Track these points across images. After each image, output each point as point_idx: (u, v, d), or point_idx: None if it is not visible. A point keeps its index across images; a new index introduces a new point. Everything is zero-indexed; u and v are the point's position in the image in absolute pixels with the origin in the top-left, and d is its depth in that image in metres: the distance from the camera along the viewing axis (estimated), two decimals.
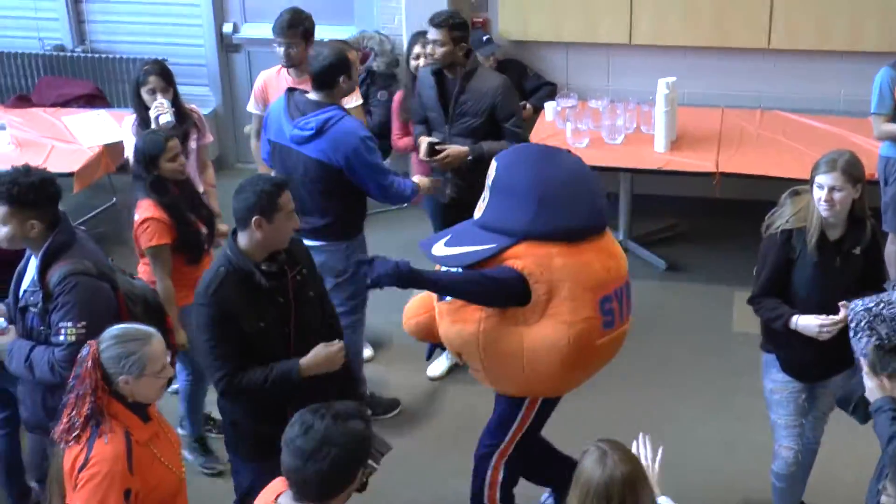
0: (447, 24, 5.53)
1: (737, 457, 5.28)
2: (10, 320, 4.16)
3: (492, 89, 5.57)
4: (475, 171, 5.35)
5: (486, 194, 4.19)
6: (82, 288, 3.93)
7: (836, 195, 4.11)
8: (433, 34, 5.59)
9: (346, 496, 3.06)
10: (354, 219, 5.31)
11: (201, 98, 8.00)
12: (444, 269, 4.21)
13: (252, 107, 6.07)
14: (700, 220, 7.51)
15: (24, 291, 4.04)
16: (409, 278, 4.00)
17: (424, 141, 5.68)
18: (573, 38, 7.53)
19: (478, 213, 4.21)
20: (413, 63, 6.37)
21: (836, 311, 4.12)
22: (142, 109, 5.63)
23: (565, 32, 7.51)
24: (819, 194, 4.12)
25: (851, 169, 4.13)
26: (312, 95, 5.14)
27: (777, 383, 4.45)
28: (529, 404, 4.42)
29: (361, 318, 5.59)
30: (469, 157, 5.59)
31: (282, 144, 5.20)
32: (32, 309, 4.01)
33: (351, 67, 5.12)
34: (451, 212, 5.59)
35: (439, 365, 6.07)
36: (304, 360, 4.00)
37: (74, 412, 3.36)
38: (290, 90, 5.26)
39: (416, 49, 6.41)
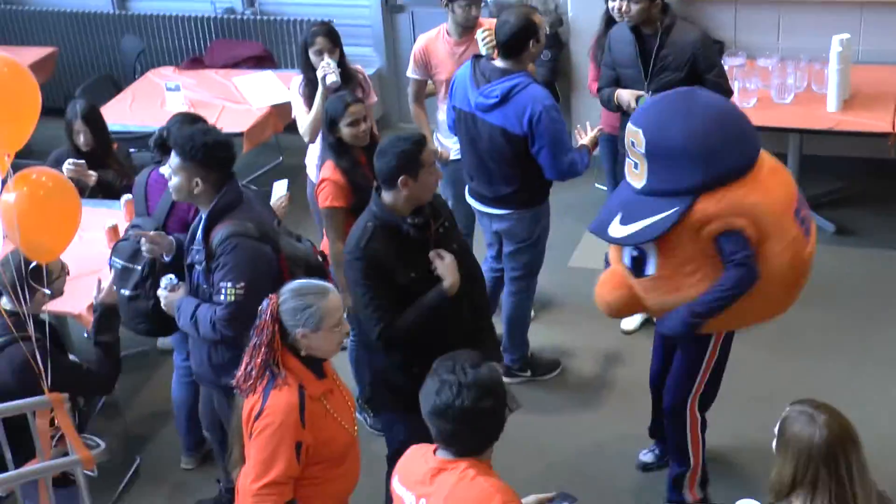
0: None
1: None
2: (144, 286, 4.34)
3: (691, 42, 5.47)
4: None
5: (636, 161, 4.10)
6: (242, 249, 4.04)
7: None
8: None
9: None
10: (539, 187, 5.28)
11: (365, 59, 8.10)
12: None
13: (411, 71, 6.08)
14: (872, 182, 7.23)
15: (192, 249, 4.19)
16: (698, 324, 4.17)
17: (632, 96, 5.58)
18: None
19: (636, 182, 4.13)
20: (611, 4, 6.16)
21: None
22: (309, 70, 5.73)
23: None
24: None
25: None
26: (499, 62, 5.13)
27: None
28: (715, 341, 4.43)
29: (533, 284, 5.64)
30: None
31: (466, 112, 5.22)
32: (197, 266, 4.16)
33: (538, 31, 5.08)
34: None
35: (633, 319, 6.04)
36: (446, 283, 4.07)
37: (252, 361, 3.45)
38: (476, 57, 5.25)
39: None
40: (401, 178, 4.01)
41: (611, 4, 6.14)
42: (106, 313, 4.38)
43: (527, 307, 5.68)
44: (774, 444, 3.04)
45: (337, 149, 4.94)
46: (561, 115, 5.11)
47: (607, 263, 4.42)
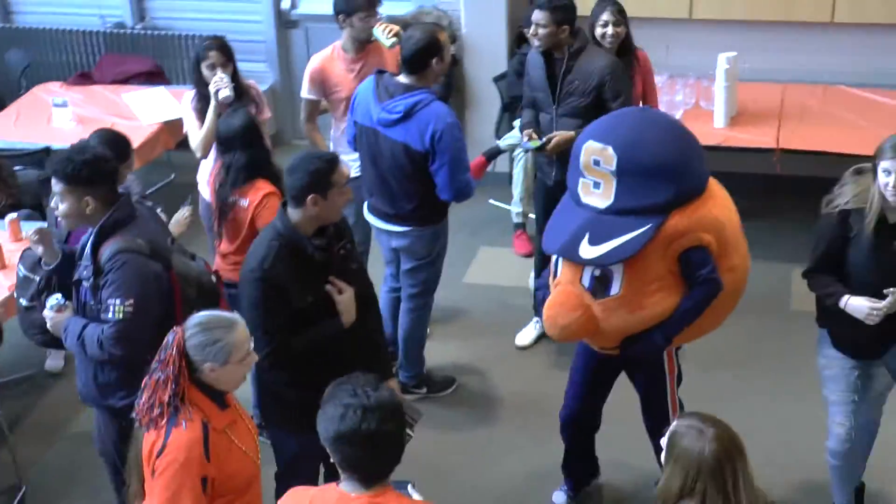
0: (549, 7, 5.39)
1: (796, 437, 5.23)
2: (40, 298, 4.23)
3: (598, 69, 5.41)
4: None
5: (599, 180, 4.01)
6: (131, 266, 3.97)
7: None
8: (536, 16, 5.46)
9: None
10: (439, 204, 5.26)
11: (259, 74, 8.03)
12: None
13: (306, 92, 5.97)
14: (759, 197, 7.41)
15: (80, 265, 4.10)
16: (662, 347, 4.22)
17: (527, 134, 5.65)
18: (632, 12, 7.31)
19: (599, 201, 4.03)
20: (526, 29, 6.11)
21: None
22: (201, 85, 5.66)
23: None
24: (885, 180, 4.02)
25: None
26: (402, 78, 5.11)
27: (829, 359, 4.41)
28: (668, 358, 4.44)
29: (430, 301, 5.64)
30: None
31: (368, 127, 5.18)
32: (85, 283, 4.07)
33: (442, 49, 5.08)
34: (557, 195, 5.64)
35: (528, 333, 6.08)
36: (344, 317, 4.08)
37: (155, 396, 3.34)
38: (380, 72, 5.23)
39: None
40: (310, 197, 3.98)
41: (525, 29, 6.13)
42: None
43: (423, 324, 5.68)
44: (663, 456, 3.08)
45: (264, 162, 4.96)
46: (462, 133, 5.13)
47: (541, 291, 4.33)
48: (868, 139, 5.91)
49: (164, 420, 3.33)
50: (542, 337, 6.01)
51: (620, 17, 5.78)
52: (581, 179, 4.07)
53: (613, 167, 3.96)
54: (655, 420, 4.47)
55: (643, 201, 3.96)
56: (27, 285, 4.43)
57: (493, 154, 7.18)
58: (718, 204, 4.13)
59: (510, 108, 7.23)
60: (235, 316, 3.47)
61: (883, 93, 7.02)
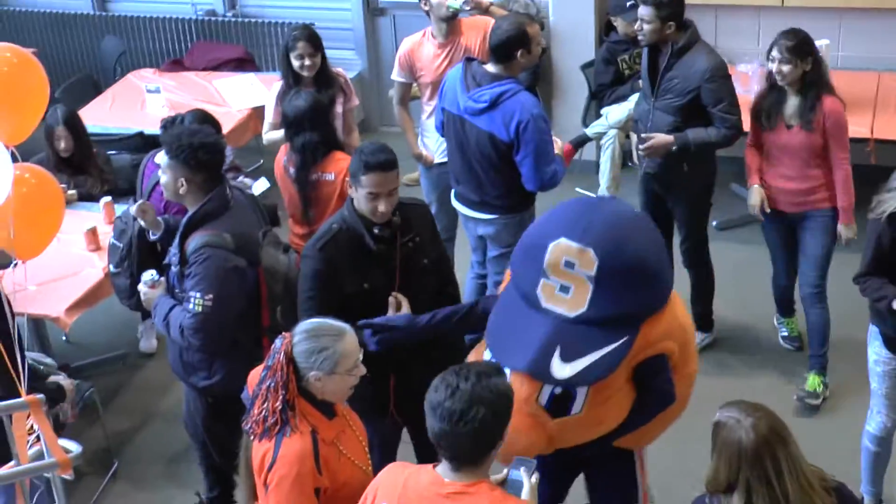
0: (655, 2, 5.29)
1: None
2: (121, 265, 4.42)
3: (699, 72, 5.29)
4: (677, 156, 5.41)
5: (569, 284, 3.47)
6: (214, 261, 4.05)
7: None
8: (641, 11, 5.39)
9: (493, 457, 3.02)
10: (525, 192, 5.24)
11: (347, 62, 8.10)
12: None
13: (396, 74, 6.07)
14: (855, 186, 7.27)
15: (170, 250, 4.22)
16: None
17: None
18: (723, 0, 7.37)
19: (567, 309, 3.48)
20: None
21: None
22: (290, 75, 5.74)
23: None
24: None
25: None
26: (490, 67, 5.11)
27: (880, 356, 4.37)
28: (640, 463, 4.03)
29: None
30: (674, 148, 5.40)
31: (455, 115, 5.20)
32: (173, 268, 4.19)
33: (530, 42, 5.07)
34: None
35: None
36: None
37: (266, 405, 3.30)
38: (469, 60, 5.23)
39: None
40: (348, 181, 4.06)
41: (613, 18, 6.02)
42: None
43: None
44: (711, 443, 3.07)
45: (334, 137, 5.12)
46: (549, 125, 5.10)
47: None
48: None
49: (276, 430, 3.30)
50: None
51: (790, 54, 5.14)
52: (543, 280, 3.51)
53: (593, 273, 3.42)
54: None
55: (619, 309, 3.46)
56: (114, 252, 4.60)
57: (579, 142, 7.15)
58: (680, 309, 3.74)
59: (597, 97, 7.20)
60: (345, 325, 3.41)
61: None
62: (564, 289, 3.48)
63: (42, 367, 4.79)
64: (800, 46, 5.08)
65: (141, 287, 4.29)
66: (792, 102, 5.16)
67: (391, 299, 4.06)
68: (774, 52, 5.12)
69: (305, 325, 3.40)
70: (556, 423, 3.56)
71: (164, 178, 4.17)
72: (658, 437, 3.92)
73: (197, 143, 4.09)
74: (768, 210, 5.34)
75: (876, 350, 4.37)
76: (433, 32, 5.90)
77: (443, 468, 2.99)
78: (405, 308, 4.05)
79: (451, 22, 5.83)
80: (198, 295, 4.04)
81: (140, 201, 4.50)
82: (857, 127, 6.37)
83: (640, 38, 5.49)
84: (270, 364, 3.33)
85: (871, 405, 4.51)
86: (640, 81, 5.70)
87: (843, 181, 5.20)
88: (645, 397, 3.63)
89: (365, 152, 3.97)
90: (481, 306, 3.95)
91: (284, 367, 3.29)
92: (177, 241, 4.16)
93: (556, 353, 3.45)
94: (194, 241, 4.09)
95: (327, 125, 5.21)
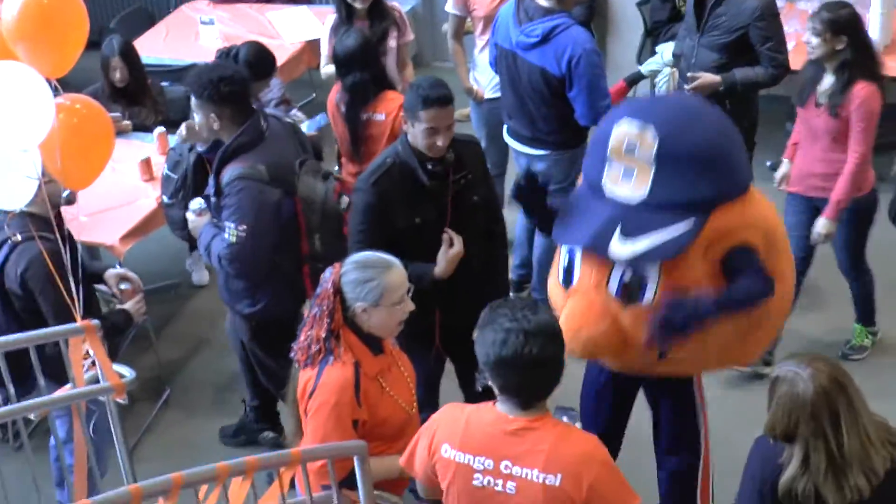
0: None
1: None
2: (176, 195, 4.52)
3: (749, 10, 5.20)
4: (721, 95, 5.19)
5: (633, 167, 3.41)
6: (248, 192, 4.12)
7: None
8: None
9: None
10: (577, 128, 5.21)
11: None
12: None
13: (450, 6, 6.02)
14: None
15: (209, 181, 4.30)
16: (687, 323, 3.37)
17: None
18: None
19: (631, 191, 3.42)
20: None
21: None
22: (343, 7, 5.71)
23: None
24: None
25: None
26: (543, 1, 5.04)
27: None
28: (698, 385, 3.94)
29: None
30: (721, 88, 5.30)
31: (507, 49, 5.16)
32: (212, 199, 4.28)
33: None
34: None
35: None
36: (437, 270, 4.04)
37: (312, 332, 3.34)
38: None
39: None
40: (404, 116, 4.05)
41: None
42: (115, 326, 4.33)
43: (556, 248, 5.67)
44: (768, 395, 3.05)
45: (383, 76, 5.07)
46: (601, 59, 5.05)
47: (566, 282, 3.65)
48: None
49: (321, 357, 3.33)
50: None
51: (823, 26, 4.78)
52: (607, 168, 3.47)
53: (653, 154, 3.36)
54: (683, 459, 3.99)
55: (684, 196, 3.37)
56: (168, 183, 4.68)
57: (634, 80, 7.08)
58: (765, 204, 3.62)
59: (653, 34, 7.11)
60: (394, 259, 3.42)
61: None
62: (628, 173, 3.41)
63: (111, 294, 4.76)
64: (835, 21, 4.68)
65: (189, 215, 4.38)
66: (827, 81, 4.82)
67: (444, 236, 4.07)
68: (810, 21, 4.78)
69: (355, 256, 3.42)
70: (628, 313, 3.48)
71: (196, 119, 4.25)
72: (738, 361, 3.82)
73: (216, 77, 4.14)
74: (787, 189, 5.11)
75: None
76: None
77: (504, 406, 2.98)
78: (458, 244, 4.06)
79: None
80: (232, 225, 4.13)
81: (189, 122, 4.54)
82: None
83: None
84: (319, 293, 3.36)
85: None
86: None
87: (847, 175, 4.80)
88: (738, 287, 3.42)
89: (423, 87, 3.96)
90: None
91: (331, 297, 3.32)
92: (213, 172, 4.22)
93: (617, 231, 3.38)
94: (228, 172, 4.16)
95: (377, 64, 5.18)
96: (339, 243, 4.32)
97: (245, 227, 4.12)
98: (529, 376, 2.89)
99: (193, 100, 4.21)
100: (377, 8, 5.74)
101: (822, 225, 4.93)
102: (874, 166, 4.84)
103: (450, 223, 4.10)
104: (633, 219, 3.39)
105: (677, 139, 3.38)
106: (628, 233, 3.37)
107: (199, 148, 4.55)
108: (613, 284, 3.49)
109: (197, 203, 4.36)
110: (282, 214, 4.23)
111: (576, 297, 3.56)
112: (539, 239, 5.57)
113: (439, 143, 3.95)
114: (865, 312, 5.36)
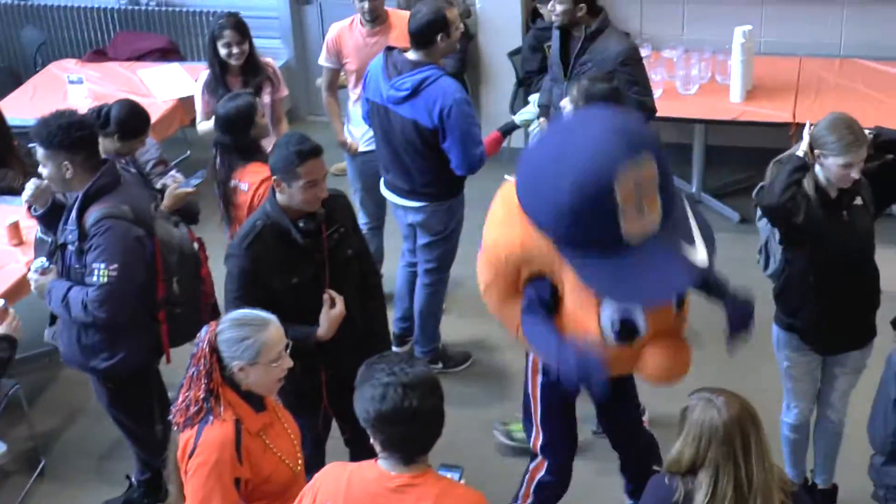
0: None
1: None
2: (52, 259, 4.33)
3: (613, 55, 5.30)
4: None
5: (643, 203, 3.15)
6: (116, 231, 4.07)
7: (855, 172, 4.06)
8: None
9: None
10: (454, 179, 5.24)
11: (273, 51, 8.01)
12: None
13: (324, 59, 6.03)
14: None
15: (65, 229, 4.19)
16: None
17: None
18: None
19: (655, 223, 3.19)
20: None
21: None
22: (217, 64, 5.67)
23: None
24: (839, 173, 4.06)
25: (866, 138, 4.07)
26: (411, 55, 5.09)
27: (793, 361, 4.46)
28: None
29: (446, 277, 5.63)
30: None
31: (378, 104, 5.18)
32: (70, 246, 4.17)
33: (450, 26, 5.05)
34: None
35: None
36: (321, 331, 4.03)
37: (190, 393, 3.29)
38: (389, 49, 5.20)
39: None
40: (275, 179, 3.99)
41: (539, 4, 5.90)
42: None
43: (439, 300, 5.69)
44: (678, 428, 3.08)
45: (253, 147, 4.91)
46: (472, 108, 5.10)
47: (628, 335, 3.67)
48: (886, 113, 5.91)
49: (199, 418, 3.28)
50: None
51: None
52: (622, 221, 3.12)
53: (654, 171, 3.14)
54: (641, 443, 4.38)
55: (676, 199, 3.33)
56: (42, 246, 4.56)
57: (508, 129, 7.13)
58: None
59: (525, 84, 7.21)
60: (271, 317, 3.41)
61: None
62: (640, 211, 3.13)
63: None
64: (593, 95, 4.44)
65: (30, 275, 4.28)
66: None
67: (325, 297, 4.05)
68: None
69: (231, 314, 3.40)
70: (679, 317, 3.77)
71: (46, 171, 4.14)
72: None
73: (65, 123, 4.07)
74: None
75: (787, 356, 4.45)
76: (361, 20, 5.86)
77: (386, 462, 2.96)
78: (339, 305, 4.04)
79: (373, 18, 5.77)
80: (102, 266, 4.05)
81: (36, 179, 4.37)
82: (780, 111, 6.46)
83: (553, 19, 5.51)
84: (194, 352, 3.32)
85: (786, 401, 4.59)
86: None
87: None
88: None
89: (292, 143, 3.96)
90: None
91: (208, 356, 3.29)
92: (73, 217, 4.13)
93: (686, 250, 3.24)
94: (93, 214, 4.09)
95: (249, 135, 5.06)
96: (197, 286, 4.35)
97: (116, 266, 4.05)
98: (410, 430, 2.88)
99: (41, 151, 4.10)
100: (251, 64, 5.72)
101: None
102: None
103: (328, 280, 4.07)
104: (674, 234, 3.25)
105: (658, 149, 3.21)
106: (688, 241, 3.27)
107: (35, 211, 4.39)
108: (608, 334, 3.59)
109: (38, 262, 4.27)
110: (146, 254, 4.19)
111: (659, 347, 3.72)
112: (420, 291, 5.58)
113: (321, 194, 3.96)
114: None
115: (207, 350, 3.29)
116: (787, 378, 4.54)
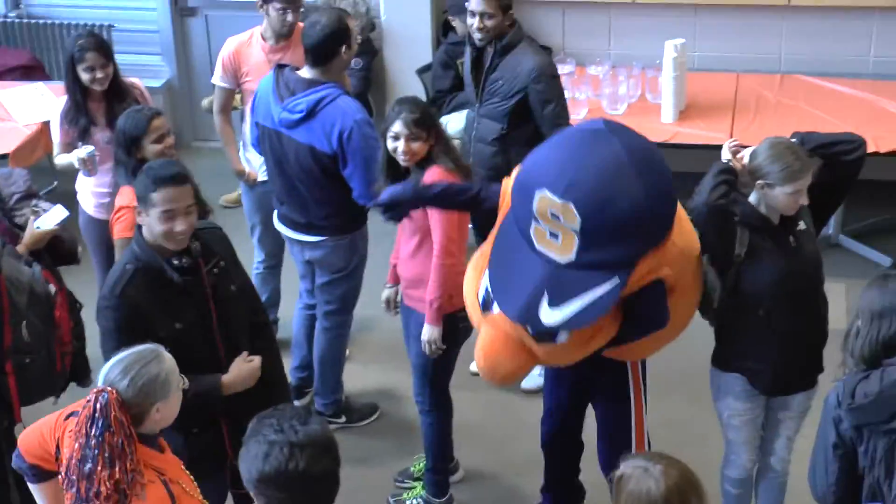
0: None
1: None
2: None
3: (527, 71, 5.41)
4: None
5: (557, 232, 3.74)
6: None
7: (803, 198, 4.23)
8: (478, 5, 5.44)
9: None
10: (356, 211, 5.27)
11: (154, 69, 8.02)
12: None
13: (218, 79, 6.00)
14: None
15: None
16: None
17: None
18: None
19: (557, 254, 3.77)
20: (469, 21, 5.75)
21: None
22: (77, 90, 5.60)
23: None
24: (787, 201, 4.22)
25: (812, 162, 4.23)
26: (305, 72, 5.11)
27: (734, 410, 4.55)
28: (634, 375, 4.42)
29: (348, 319, 5.65)
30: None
31: (270, 129, 5.19)
32: None
33: (350, 36, 5.11)
34: None
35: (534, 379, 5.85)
36: (227, 378, 4.06)
37: (112, 478, 3.23)
38: (280, 66, 5.22)
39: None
40: (137, 209, 3.99)
41: (469, 21, 5.95)
42: None
43: (341, 345, 5.70)
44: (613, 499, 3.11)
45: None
46: (375, 130, 5.10)
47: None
48: (828, 132, 6.07)
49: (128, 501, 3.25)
50: None
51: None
52: (534, 224, 3.82)
53: (577, 226, 3.70)
54: (613, 453, 4.19)
55: (610, 257, 3.75)
56: None
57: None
58: (685, 234, 4.04)
59: (436, 103, 7.29)
60: (157, 345, 3.45)
61: (844, 82, 7.21)
62: (554, 235, 3.77)
63: None
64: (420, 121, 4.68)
65: None
66: None
67: (240, 358, 4.10)
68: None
69: (117, 366, 3.35)
70: (541, 350, 3.99)
71: None
72: (651, 354, 4.37)
73: None
74: None
75: (730, 405, 4.55)
76: (263, 34, 5.87)
77: None
78: (257, 360, 4.11)
79: (283, 33, 5.79)
80: None
81: None
82: (716, 132, 6.61)
83: (478, 36, 5.53)
84: (100, 431, 3.24)
85: (726, 453, 4.69)
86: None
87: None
88: (635, 321, 3.97)
89: (153, 168, 3.99)
90: (484, 196, 4.30)
91: (125, 422, 3.27)
92: None
93: (545, 301, 3.77)
94: None
95: (133, 153, 5.03)
96: (50, 332, 4.29)
97: None
98: (295, 495, 2.87)
99: None
100: (115, 87, 5.63)
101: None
102: None
103: (217, 320, 4.06)
104: (560, 282, 3.77)
105: (600, 213, 3.68)
106: (556, 301, 3.76)
107: None
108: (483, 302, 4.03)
109: None
110: None
111: (491, 329, 4.01)
112: (320, 336, 5.59)
113: (178, 227, 3.91)
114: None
115: (121, 415, 3.26)
116: (729, 428, 4.62)
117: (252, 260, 6.13)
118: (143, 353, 3.39)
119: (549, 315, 3.77)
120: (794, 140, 4.35)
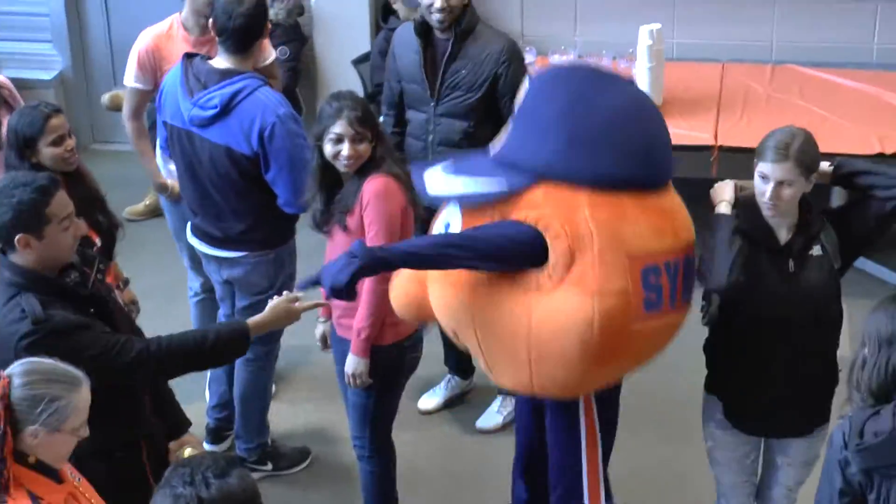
0: None
1: None
2: None
3: (494, 54, 5.43)
4: None
5: (509, 122, 4.14)
6: None
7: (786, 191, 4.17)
8: None
9: None
10: (281, 222, 5.26)
11: (43, 59, 7.94)
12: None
13: (132, 79, 5.88)
14: (692, 208, 7.52)
15: None
16: (374, 262, 3.86)
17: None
18: None
19: (498, 143, 4.15)
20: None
21: None
22: None
23: None
24: (762, 188, 4.18)
25: (804, 156, 4.15)
26: (219, 62, 5.09)
27: (717, 441, 4.55)
28: (586, 409, 4.34)
29: (274, 349, 5.63)
30: None
31: (180, 128, 5.15)
32: None
33: (267, 18, 5.14)
34: None
35: (432, 398, 6.10)
36: (258, 318, 4.18)
37: None
38: (188, 56, 5.17)
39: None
40: (19, 238, 3.87)
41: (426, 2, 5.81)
42: None
43: (265, 380, 5.67)
44: None
45: None
46: (301, 126, 5.11)
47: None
48: (828, 131, 6.09)
49: None
50: (454, 398, 6.13)
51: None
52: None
53: (517, 107, 4.08)
54: (559, 491, 4.43)
55: (516, 154, 4.00)
56: None
57: None
58: (616, 215, 3.94)
59: (374, 98, 7.26)
60: (79, 373, 3.41)
61: (843, 73, 7.27)
62: (507, 126, 4.16)
63: None
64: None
65: None
66: None
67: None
68: None
69: (31, 365, 3.37)
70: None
71: None
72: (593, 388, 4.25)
73: None
74: None
75: (712, 433, 4.56)
76: (184, 23, 5.82)
77: None
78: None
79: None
80: None
81: None
82: (698, 131, 6.63)
83: (438, 17, 5.42)
84: None
85: (718, 496, 4.69)
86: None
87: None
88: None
89: (20, 184, 3.89)
90: None
91: (3, 417, 3.26)
92: None
93: (443, 165, 4.09)
94: None
95: (26, 159, 4.96)
96: None
97: None
98: None
99: None
100: None
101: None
102: None
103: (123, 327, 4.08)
104: (469, 159, 4.17)
105: (533, 98, 4.03)
106: (450, 169, 4.06)
107: None
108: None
109: None
110: None
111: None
112: (241, 370, 5.55)
113: (79, 232, 3.98)
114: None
115: (1, 409, 3.26)
116: (713, 464, 4.63)
117: (184, 286, 6.15)
118: (66, 373, 3.38)
119: (435, 180, 4.03)
120: (830, 164, 4.30)
